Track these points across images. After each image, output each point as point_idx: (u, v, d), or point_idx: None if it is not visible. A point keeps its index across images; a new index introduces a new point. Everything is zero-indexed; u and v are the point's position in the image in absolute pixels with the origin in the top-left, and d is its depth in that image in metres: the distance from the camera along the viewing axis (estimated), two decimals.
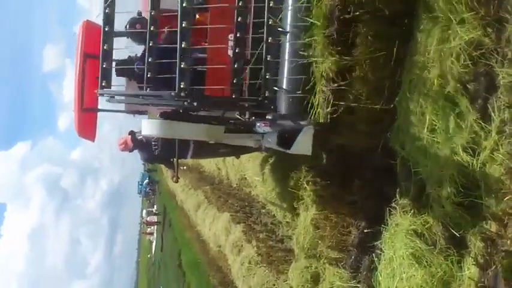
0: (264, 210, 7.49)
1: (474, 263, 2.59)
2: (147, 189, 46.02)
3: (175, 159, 5.99)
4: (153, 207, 44.40)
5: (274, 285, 6.40)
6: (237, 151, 6.16)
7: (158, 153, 5.90)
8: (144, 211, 45.98)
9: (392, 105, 3.20)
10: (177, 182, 6.46)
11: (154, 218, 39.58)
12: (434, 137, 2.87)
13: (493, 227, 2.52)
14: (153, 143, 5.84)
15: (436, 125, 2.85)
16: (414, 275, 2.98)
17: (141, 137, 5.86)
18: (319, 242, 4.74)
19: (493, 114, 2.58)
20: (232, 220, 9.07)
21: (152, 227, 40.40)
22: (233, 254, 8.66)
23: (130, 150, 6.03)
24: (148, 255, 48.69)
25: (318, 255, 4.86)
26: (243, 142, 5.20)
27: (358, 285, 4.08)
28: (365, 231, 3.98)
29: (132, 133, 5.97)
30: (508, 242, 2.36)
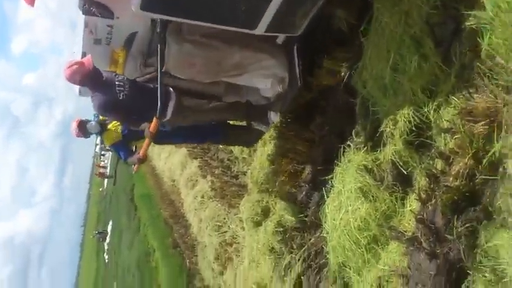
0: (221, 146, 7.53)
1: (416, 197, 2.73)
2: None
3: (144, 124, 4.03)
4: None
5: (224, 218, 6.57)
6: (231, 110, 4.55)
7: (123, 98, 4.00)
8: (98, 146, 45.20)
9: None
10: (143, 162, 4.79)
11: (107, 162, 38.72)
12: (396, 76, 2.93)
13: (439, 165, 2.65)
14: (116, 82, 4.01)
15: (399, 65, 2.91)
16: (359, 208, 3.12)
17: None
18: (273, 177, 4.86)
19: (454, 58, 2.65)
20: (189, 155, 9.11)
21: (106, 161, 39.91)
22: (187, 188, 8.77)
23: (82, 83, 3.99)
24: (100, 189, 48.51)
25: (270, 189, 5.00)
26: (250, 81, 4.13)
27: (306, 218, 4.25)
28: (319, 168, 4.08)
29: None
30: (451, 178, 2.49)
